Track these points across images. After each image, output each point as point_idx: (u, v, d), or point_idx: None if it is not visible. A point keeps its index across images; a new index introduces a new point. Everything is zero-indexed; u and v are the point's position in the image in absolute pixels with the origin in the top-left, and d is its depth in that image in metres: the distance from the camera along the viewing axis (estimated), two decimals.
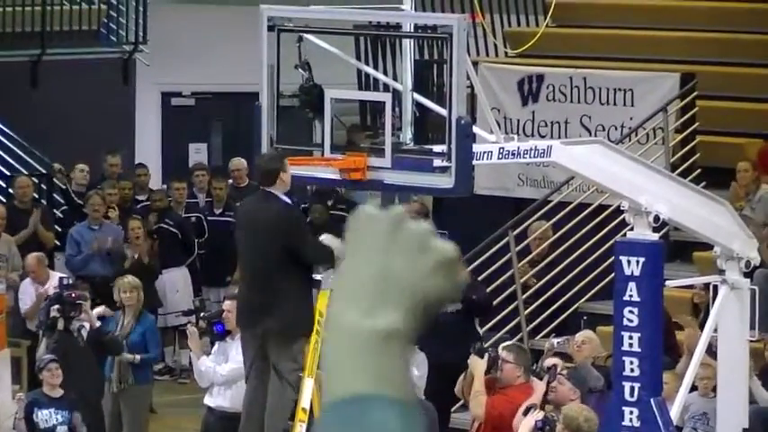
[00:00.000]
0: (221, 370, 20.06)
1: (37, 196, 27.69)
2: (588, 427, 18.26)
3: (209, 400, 20.14)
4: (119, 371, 22.63)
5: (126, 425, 21.83)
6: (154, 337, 22.95)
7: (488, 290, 24.28)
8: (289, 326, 18.44)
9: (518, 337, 23.60)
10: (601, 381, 19.56)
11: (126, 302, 22.07)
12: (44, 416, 20.01)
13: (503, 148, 18.53)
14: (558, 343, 21.44)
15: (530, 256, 24.58)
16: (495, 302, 24.28)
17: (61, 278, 23.77)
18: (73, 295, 21.64)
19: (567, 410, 18.19)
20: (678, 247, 22.33)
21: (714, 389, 20.12)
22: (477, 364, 20.16)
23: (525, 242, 24.46)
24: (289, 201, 19.36)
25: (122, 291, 22.39)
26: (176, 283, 27.21)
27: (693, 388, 20.20)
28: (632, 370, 18.63)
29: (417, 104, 18.37)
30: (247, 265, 19.71)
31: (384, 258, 4.01)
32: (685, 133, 25.16)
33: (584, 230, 24.20)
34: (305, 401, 18.31)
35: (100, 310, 23.28)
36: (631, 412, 18.48)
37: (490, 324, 24.14)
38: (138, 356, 22.61)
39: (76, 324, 21.17)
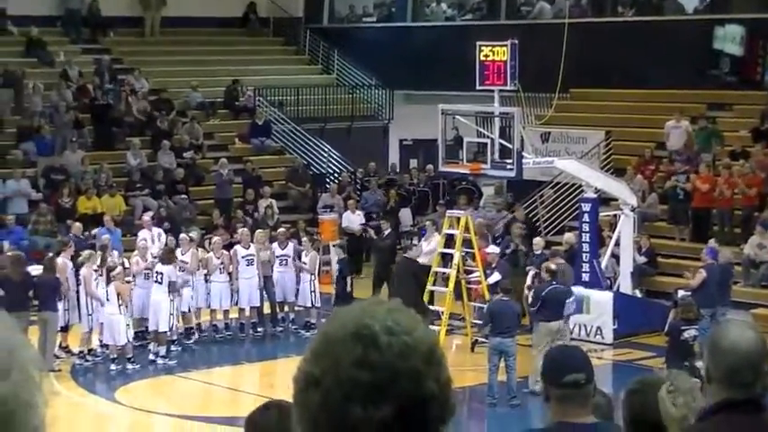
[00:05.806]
0: (427, 246, 21.06)
1: (349, 180, 28.86)
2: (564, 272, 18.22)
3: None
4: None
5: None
6: None
7: (529, 215, 24.66)
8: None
9: (540, 234, 23.04)
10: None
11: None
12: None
13: (534, 161, 20.58)
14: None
15: (544, 204, 25.18)
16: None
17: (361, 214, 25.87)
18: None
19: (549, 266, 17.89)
20: (604, 199, 22.04)
21: (613, 256, 20.91)
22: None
23: (543, 198, 25.13)
24: None
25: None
26: (405, 215, 27.67)
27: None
28: (584, 248, 20.54)
29: (500, 144, 19.47)
30: None
31: None
32: (607, 155, 25.60)
33: (566, 192, 24.47)
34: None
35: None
36: (585, 265, 20.42)
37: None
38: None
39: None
